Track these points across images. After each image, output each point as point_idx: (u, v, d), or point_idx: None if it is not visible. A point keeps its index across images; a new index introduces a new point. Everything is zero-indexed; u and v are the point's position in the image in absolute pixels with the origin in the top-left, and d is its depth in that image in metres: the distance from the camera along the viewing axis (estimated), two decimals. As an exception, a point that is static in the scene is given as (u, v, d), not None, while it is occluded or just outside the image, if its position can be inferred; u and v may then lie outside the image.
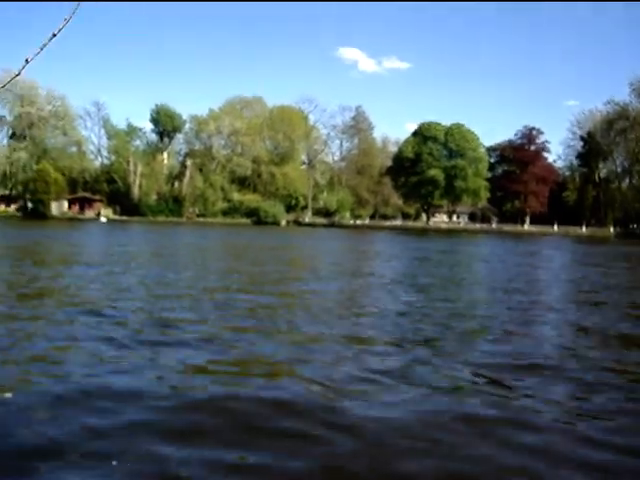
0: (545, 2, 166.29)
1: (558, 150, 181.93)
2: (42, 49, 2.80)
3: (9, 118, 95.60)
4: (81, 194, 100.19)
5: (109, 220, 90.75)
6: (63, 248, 29.95)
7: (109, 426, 5.19)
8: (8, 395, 5.83)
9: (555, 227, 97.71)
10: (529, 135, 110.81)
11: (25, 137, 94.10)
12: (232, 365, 7.35)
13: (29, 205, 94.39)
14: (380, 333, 9.66)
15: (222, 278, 17.78)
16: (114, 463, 4.51)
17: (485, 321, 11.15)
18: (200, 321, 10.24)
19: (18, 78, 2.94)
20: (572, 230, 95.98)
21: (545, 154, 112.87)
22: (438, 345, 8.80)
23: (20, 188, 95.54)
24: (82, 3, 2.79)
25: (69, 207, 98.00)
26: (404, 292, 15.61)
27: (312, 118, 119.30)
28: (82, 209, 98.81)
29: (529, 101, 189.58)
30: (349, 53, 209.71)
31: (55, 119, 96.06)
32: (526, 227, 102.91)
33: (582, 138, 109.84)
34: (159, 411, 5.65)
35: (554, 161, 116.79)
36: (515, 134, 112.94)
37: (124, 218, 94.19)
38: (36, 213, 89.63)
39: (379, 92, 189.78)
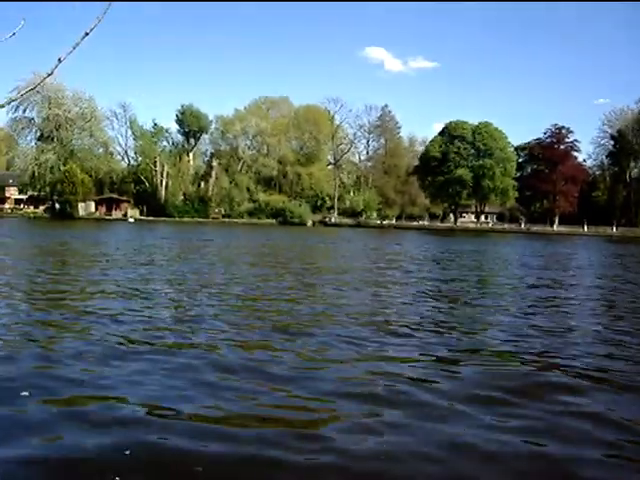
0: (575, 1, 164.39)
1: (588, 149, 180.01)
2: (74, 48, 2.65)
3: (37, 120, 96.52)
4: (108, 195, 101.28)
5: (136, 220, 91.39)
6: (102, 248, 29.73)
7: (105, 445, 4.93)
8: (25, 394, 6.07)
9: (585, 227, 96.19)
10: (558, 134, 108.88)
11: (53, 139, 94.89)
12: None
13: (57, 206, 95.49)
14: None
15: (256, 282, 17.29)
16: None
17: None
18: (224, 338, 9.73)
19: (46, 80, 2.68)
20: (602, 230, 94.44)
21: (575, 153, 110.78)
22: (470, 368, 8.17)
23: (48, 189, 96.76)
24: (112, 3, 2.77)
25: (96, 208, 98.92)
26: (440, 298, 15.00)
27: (338, 118, 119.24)
28: (109, 210, 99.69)
29: (558, 99, 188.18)
30: (375, 53, 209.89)
31: (82, 120, 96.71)
32: (555, 227, 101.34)
33: (613, 137, 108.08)
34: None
35: (584, 160, 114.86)
36: (544, 133, 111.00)
37: (150, 218, 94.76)
38: (63, 214, 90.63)
39: (406, 92, 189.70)
